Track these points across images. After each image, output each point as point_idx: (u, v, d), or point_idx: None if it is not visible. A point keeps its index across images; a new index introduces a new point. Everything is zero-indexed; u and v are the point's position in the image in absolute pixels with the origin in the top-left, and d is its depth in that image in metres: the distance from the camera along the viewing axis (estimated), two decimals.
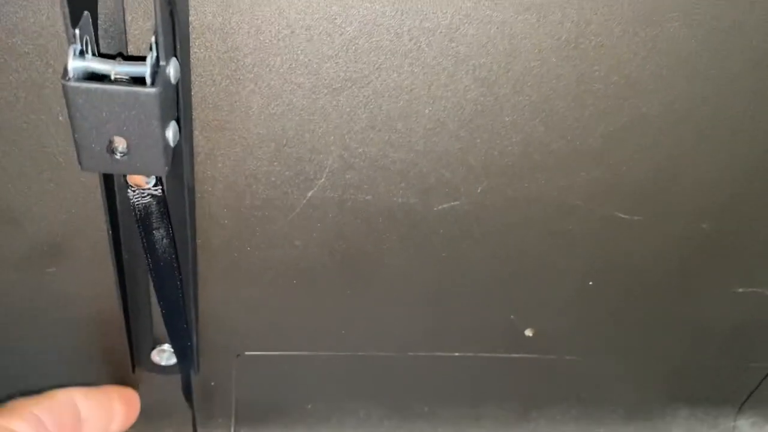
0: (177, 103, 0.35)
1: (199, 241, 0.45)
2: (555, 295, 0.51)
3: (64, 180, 0.39)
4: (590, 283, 0.50)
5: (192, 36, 0.35)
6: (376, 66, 0.38)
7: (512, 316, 0.52)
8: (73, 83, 0.29)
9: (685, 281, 0.51)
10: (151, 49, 0.31)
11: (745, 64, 0.40)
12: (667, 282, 0.51)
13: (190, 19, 0.34)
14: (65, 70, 0.30)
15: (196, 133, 0.39)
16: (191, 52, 0.35)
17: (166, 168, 0.33)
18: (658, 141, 0.43)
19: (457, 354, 0.55)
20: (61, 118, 0.36)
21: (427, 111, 0.40)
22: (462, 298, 0.51)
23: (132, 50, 0.35)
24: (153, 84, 0.30)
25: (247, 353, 0.53)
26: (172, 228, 0.39)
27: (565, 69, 0.39)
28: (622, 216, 0.47)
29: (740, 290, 0.52)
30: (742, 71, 0.40)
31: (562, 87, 0.40)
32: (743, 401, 0.62)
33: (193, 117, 0.38)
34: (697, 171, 0.45)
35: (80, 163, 0.33)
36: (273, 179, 0.42)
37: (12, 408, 0.45)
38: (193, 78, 0.36)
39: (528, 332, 0.53)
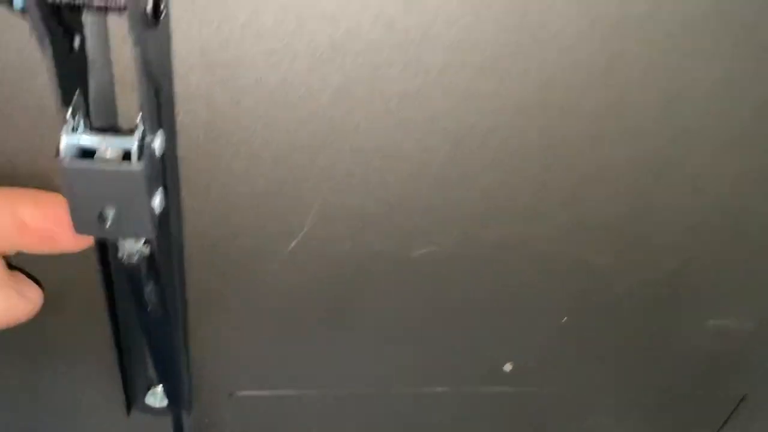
0: (164, 169, 0.37)
1: (189, 290, 0.47)
2: (531, 332, 0.53)
3: None
4: (564, 320, 0.53)
5: (177, 106, 0.37)
6: (352, 126, 0.40)
7: (490, 353, 0.54)
8: (65, 162, 0.32)
9: (656, 317, 0.54)
10: (137, 126, 0.33)
11: (715, 113, 0.42)
12: (639, 318, 0.53)
13: (175, 89, 0.37)
14: (57, 149, 0.32)
15: (183, 194, 0.41)
16: (177, 120, 0.38)
17: (154, 233, 0.35)
18: (626, 185, 0.45)
19: (439, 389, 0.57)
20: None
21: (401, 166, 0.43)
22: (442, 337, 0.53)
23: (123, 119, 0.37)
24: (139, 159, 0.32)
25: (239, 393, 0.55)
26: (161, 283, 0.41)
27: (535, 118, 0.41)
28: (592, 258, 0.49)
29: (710, 323, 0.54)
30: (709, 119, 0.42)
31: (532, 136, 0.42)
32: (719, 428, 0.63)
33: (180, 179, 0.40)
34: (664, 212, 0.48)
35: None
36: (257, 233, 0.45)
37: None
38: (179, 143, 0.39)
39: (507, 367, 0.55)
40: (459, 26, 0.37)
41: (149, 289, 0.41)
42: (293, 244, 0.46)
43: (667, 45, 0.39)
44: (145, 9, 0.29)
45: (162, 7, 0.31)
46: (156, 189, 0.35)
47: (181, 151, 0.39)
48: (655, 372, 0.58)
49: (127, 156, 0.33)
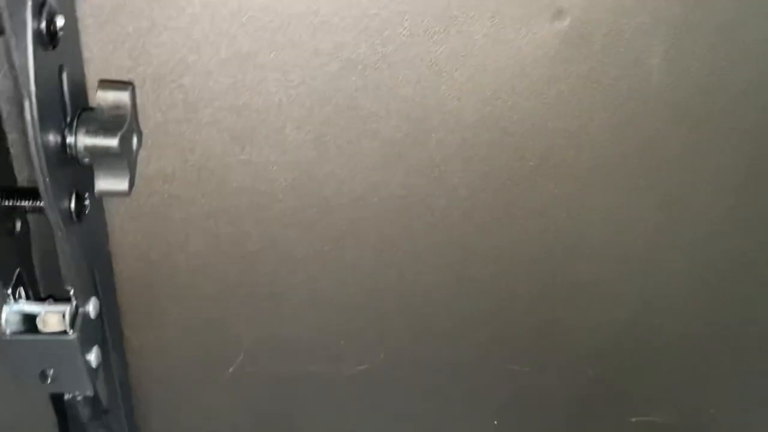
0: (101, 325, 0.41)
1: (137, 414, 0.51)
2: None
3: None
4: (495, 422, 0.56)
5: (115, 267, 0.42)
6: (276, 276, 0.45)
7: None
8: (7, 336, 0.36)
9: (581, 418, 0.57)
10: (70, 298, 0.38)
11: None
12: (565, 418, 0.57)
13: (111, 248, 0.41)
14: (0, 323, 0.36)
15: (127, 334, 0.46)
16: (115, 274, 0.42)
17: (91, 386, 0.40)
18: (540, 298, 0.49)
19: None
20: None
21: (329, 295, 0.47)
22: None
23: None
24: (72, 328, 0.37)
25: None
26: (107, 419, 0.45)
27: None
28: (514, 368, 0.53)
29: (633, 420, 0.58)
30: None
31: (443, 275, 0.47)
32: None
33: (122, 323, 0.45)
34: (581, 323, 0.52)
35: (17, 387, 0.39)
36: (199, 361, 0.49)
37: None
38: (119, 295, 0.43)
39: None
40: None
41: (95, 425, 0.45)
42: (231, 369, 0.50)
43: None
44: (68, 209, 0.34)
45: (86, 204, 0.35)
46: (92, 347, 0.39)
47: (121, 301, 0.44)
48: None
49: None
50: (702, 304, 0.51)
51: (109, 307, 0.43)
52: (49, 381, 0.38)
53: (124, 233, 0.41)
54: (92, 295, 0.39)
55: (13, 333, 0.37)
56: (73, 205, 0.34)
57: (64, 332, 0.37)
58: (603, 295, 0.50)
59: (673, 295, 0.51)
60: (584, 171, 0.43)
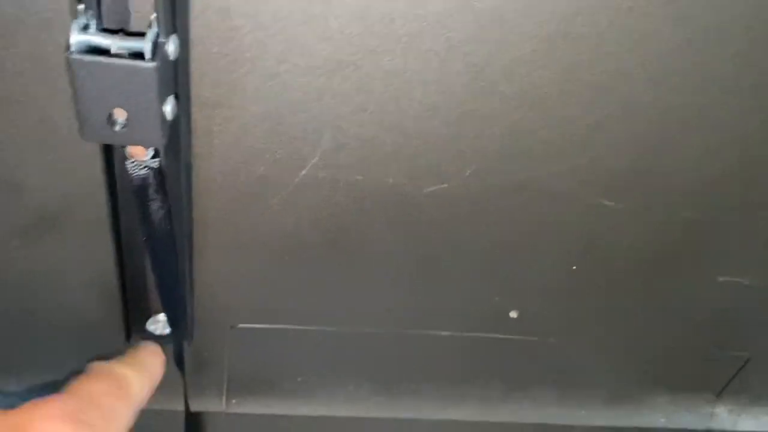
0: (176, 79, 0.36)
1: (195, 214, 0.46)
2: (539, 278, 0.52)
3: (65, 151, 0.40)
4: (574, 267, 0.52)
5: (192, 14, 0.36)
6: (370, 50, 0.39)
7: (497, 298, 0.54)
8: (75, 56, 0.31)
9: (666, 269, 0.53)
10: (151, 25, 0.32)
11: (730, 59, 0.41)
12: (649, 269, 0.53)
13: None
14: (68, 44, 0.31)
15: (194, 109, 0.40)
16: (191, 30, 0.37)
17: (164, 140, 0.34)
18: (643, 130, 0.44)
19: (443, 333, 0.56)
20: (63, 90, 0.38)
21: (418, 95, 0.41)
22: (449, 278, 0.53)
23: (136, 27, 0.36)
24: (152, 59, 0.31)
25: (240, 326, 0.55)
26: (168, 200, 0.40)
27: (554, 58, 0.40)
28: (607, 203, 0.48)
29: (721, 279, 0.54)
30: (726, 65, 0.41)
31: (550, 75, 0.41)
32: (722, 389, 0.63)
33: (191, 94, 0.39)
34: (681, 160, 0.47)
35: (82, 133, 0.34)
36: (267, 157, 0.44)
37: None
38: (192, 55, 0.38)
39: (513, 314, 0.55)
40: None
41: (156, 206, 0.40)
42: (303, 172, 0.45)
43: None
44: None
45: None
46: (168, 94, 0.34)
47: (194, 64, 0.38)
48: (660, 327, 0.58)
49: (140, 56, 0.32)
50: None
51: (184, 71, 0.37)
52: (117, 127, 0.33)
53: None
54: (173, 31, 0.34)
55: (82, 55, 0.31)
56: None
57: (142, 60, 0.31)
58: (715, 127, 0.45)
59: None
60: None
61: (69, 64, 0.31)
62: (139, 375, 0.46)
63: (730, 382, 0.63)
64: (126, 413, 0.43)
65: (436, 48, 0.39)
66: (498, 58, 0.40)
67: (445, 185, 0.47)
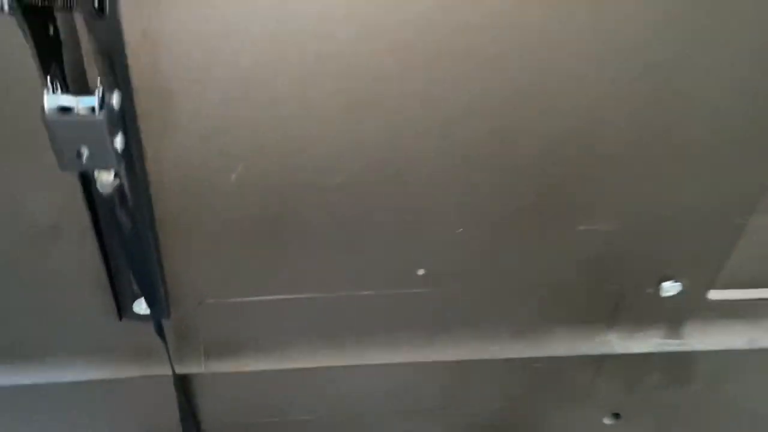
0: (123, 118, 0.50)
1: (157, 215, 0.60)
2: (437, 240, 0.66)
3: (56, 179, 0.55)
4: (460, 230, 0.66)
5: (131, 74, 0.50)
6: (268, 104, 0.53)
7: (405, 261, 0.68)
8: (48, 117, 0.45)
9: (538, 223, 0.66)
10: (99, 85, 0.46)
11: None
12: (525, 224, 0.66)
13: (128, 61, 0.49)
14: (42, 108, 0.45)
15: (143, 136, 0.54)
16: (132, 83, 0.51)
17: (118, 164, 0.49)
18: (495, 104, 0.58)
19: (369, 292, 0.71)
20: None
21: (305, 115, 0.55)
22: (367, 247, 0.67)
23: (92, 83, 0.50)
24: (101, 112, 0.46)
25: (207, 301, 0.69)
26: (131, 208, 0.55)
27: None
28: (476, 178, 0.62)
29: (581, 228, 0.67)
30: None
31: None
32: (609, 318, 0.77)
33: (138, 125, 0.53)
34: (533, 135, 0.60)
35: (60, 166, 0.48)
36: (205, 165, 0.58)
37: None
38: (135, 99, 0.52)
39: (420, 272, 0.69)
40: None
41: (122, 212, 0.55)
42: (233, 176, 0.59)
43: None
44: (92, 5, 0.42)
45: (106, 3, 0.43)
46: (116, 133, 0.48)
47: (138, 104, 0.52)
48: (547, 270, 0.71)
49: (93, 110, 0.46)
50: (642, 116, 0.59)
51: (128, 109, 0.51)
52: (84, 160, 0.48)
53: (138, 42, 0.49)
54: (115, 89, 0.48)
55: (53, 115, 0.45)
56: (96, 3, 0.42)
57: (94, 113, 0.46)
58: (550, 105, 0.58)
59: (615, 106, 0.59)
60: None
61: (45, 122, 0.45)
62: None
63: (614, 312, 0.76)
64: None
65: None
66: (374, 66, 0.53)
67: (346, 177, 0.61)
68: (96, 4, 0.42)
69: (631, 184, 0.65)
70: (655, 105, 0.58)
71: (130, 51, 0.49)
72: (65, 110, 0.46)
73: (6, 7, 0.41)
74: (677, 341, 0.79)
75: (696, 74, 0.57)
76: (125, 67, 0.50)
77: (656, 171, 0.64)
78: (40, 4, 0.42)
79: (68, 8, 0.42)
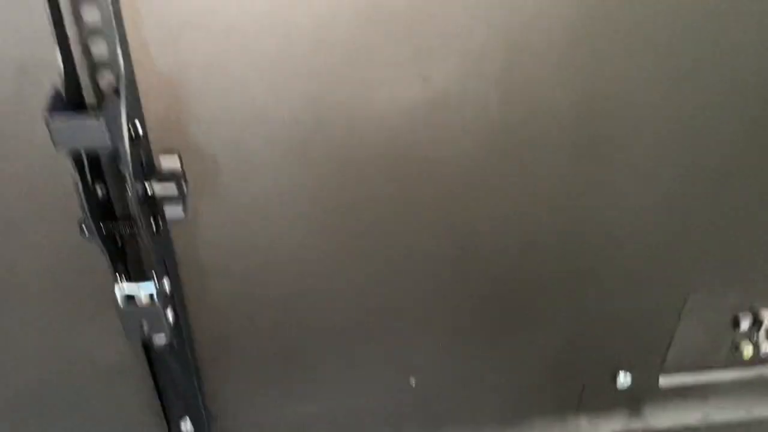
0: (173, 297, 0.67)
1: (198, 353, 0.76)
2: (427, 349, 0.81)
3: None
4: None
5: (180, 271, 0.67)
6: None
7: (397, 371, 0.83)
8: (120, 307, 0.61)
9: (509, 332, 0.81)
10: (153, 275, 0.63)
11: None
12: (499, 335, 0.81)
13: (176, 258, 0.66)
14: (115, 300, 0.62)
15: (188, 307, 0.71)
16: (179, 266, 0.67)
17: (170, 337, 0.65)
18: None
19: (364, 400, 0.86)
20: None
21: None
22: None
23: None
24: (157, 301, 0.62)
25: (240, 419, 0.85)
26: (178, 354, 0.71)
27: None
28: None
29: (542, 334, 0.82)
30: None
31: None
32: (576, 406, 0.91)
33: (185, 301, 0.70)
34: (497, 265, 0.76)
35: (126, 336, 0.65)
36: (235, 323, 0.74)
37: None
38: (180, 278, 0.68)
39: (412, 382, 0.84)
40: None
41: (171, 359, 0.71)
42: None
43: None
44: (151, 227, 0.59)
45: (160, 223, 0.60)
46: (167, 309, 0.65)
47: (184, 285, 0.69)
48: (516, 374, 0.86)
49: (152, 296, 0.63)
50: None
51: (176, 288, 0.68)
52: (146, 332, 0.64)
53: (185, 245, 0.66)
54: (165, 276, 0.65)
55: (125, 305, 0.62)
56: (154, 226, 0.59)
57: (153, 301, 0.62)
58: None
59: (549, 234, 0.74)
60: None
61: (117, 310, 0.62)
62: None
63: (581, 401, 0.90)
64: None
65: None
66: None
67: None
68: (154, 229, 0.59)
69: (581, 295, 0.80)
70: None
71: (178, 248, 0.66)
72: (131, 298, 0.63)
73: (87, 235, 0.58)
74: (639, 422, 0.93)
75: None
76: (174, 262, 0.66)
77: (599, 286, 0.79)
78: (113, 233, 0.59)
79: (136, 235, 0.60)
